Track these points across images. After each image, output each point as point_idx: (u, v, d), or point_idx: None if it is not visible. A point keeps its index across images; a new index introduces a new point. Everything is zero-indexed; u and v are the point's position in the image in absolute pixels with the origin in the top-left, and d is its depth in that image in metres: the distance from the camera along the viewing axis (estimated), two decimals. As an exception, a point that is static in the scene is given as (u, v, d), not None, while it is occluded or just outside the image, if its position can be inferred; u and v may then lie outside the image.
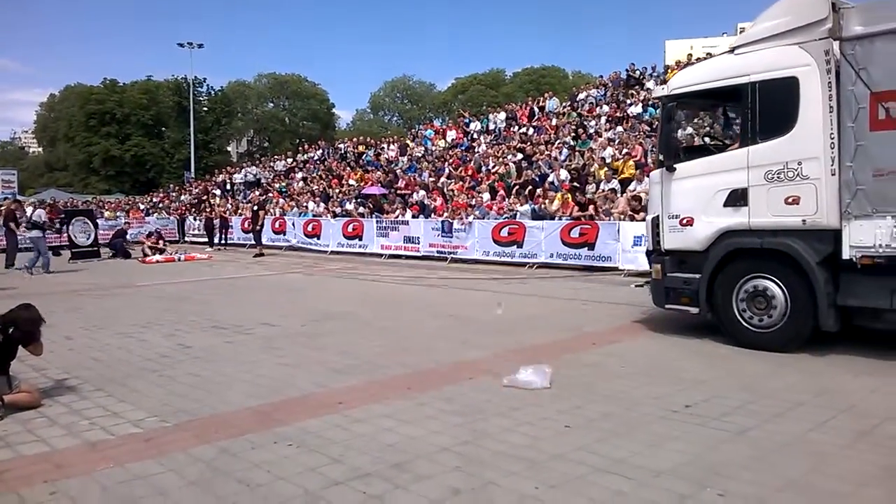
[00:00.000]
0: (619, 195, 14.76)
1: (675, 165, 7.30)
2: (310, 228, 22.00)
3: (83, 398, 5.38)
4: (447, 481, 3.65)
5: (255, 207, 22.88)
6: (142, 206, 36.76)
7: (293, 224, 22.89)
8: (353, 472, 3.79)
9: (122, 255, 20.96)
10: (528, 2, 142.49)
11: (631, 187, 14.61)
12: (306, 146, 38.09)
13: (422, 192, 20.97)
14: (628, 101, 22.17)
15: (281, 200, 26.88)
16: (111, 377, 6.01)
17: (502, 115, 27.31)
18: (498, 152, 22.05)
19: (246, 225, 24.03)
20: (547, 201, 15.96)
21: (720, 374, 5.87)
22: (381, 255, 18.98)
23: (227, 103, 69.63)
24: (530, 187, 17.33)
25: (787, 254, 6.45)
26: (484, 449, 4.12)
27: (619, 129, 19.82)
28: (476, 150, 24.30)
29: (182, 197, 36.80)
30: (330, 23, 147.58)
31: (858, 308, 6.23)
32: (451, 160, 23.75)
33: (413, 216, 19.31)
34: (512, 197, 17.18)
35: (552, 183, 17.04)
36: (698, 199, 7.08)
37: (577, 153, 18.83)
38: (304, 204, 24.89)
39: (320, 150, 34.49)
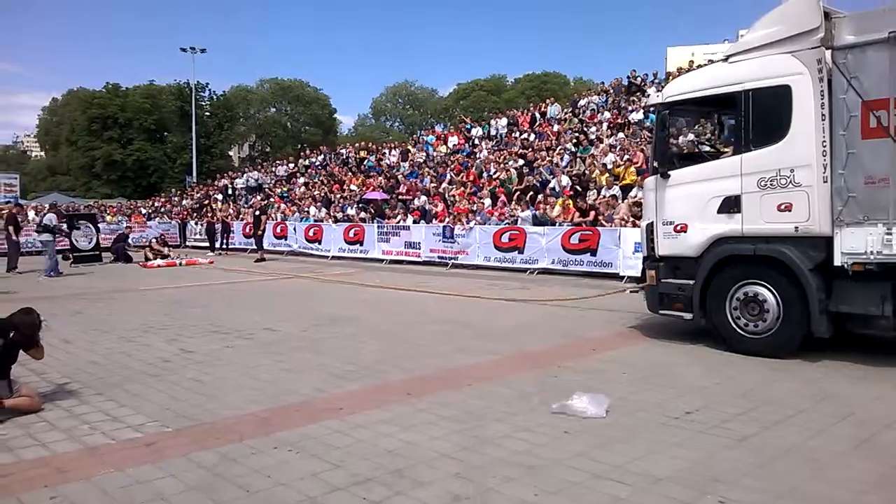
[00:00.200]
0: (620, 201, 14.78)
1: (669, 172, 7.38)
2: (311, 234, 22.03)
3: (84, 402, 5.39)
4: (447, 487, 3.66)
5: (257, 212, 22.94)
6: (143, 211, 36.83)
7: (294, 229, 22.92)
8: (354, 477, 3.80)
9: (124, 259, 21.02)
10: (529, 8, 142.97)
11: (632, 193, 14.61)
12: (308, 151, 38.18)
13: (423, 198, 20.98)
14: (630, 108, 22.19)
15: (282, 205, 26.92)
16: (112, 381, 6.02)
17: (504, 121, 27.36)
18: (499, 158, 22.09)
19: (247, 230, 24.07)
20: (548, 207, 15.98)
21: (721, 380, 5.88)
22: (382, 261, 18.98)
23: (229, 108, 69.72)
24: (531, 193, 17.36)
25: (780, 260, 6.50)
26: (483, 455, 4.13)
27: (621, 135, 19.82)
28: (477, 155, 24.33)
29: (184, 201, 36.82)
30: (332, 28, 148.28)
31: (850, 314, 6.28)
32: (452, 166, 23.78)
33: (414, 222, 19.33)
34: (513, 203, 17.21)
35: (553, 189, 17.07)
36: (692, 206, 7.15)
37: (578, 159, 18.85)
38: (306, 209, 24.92)
39: (322, 156, 34.56)
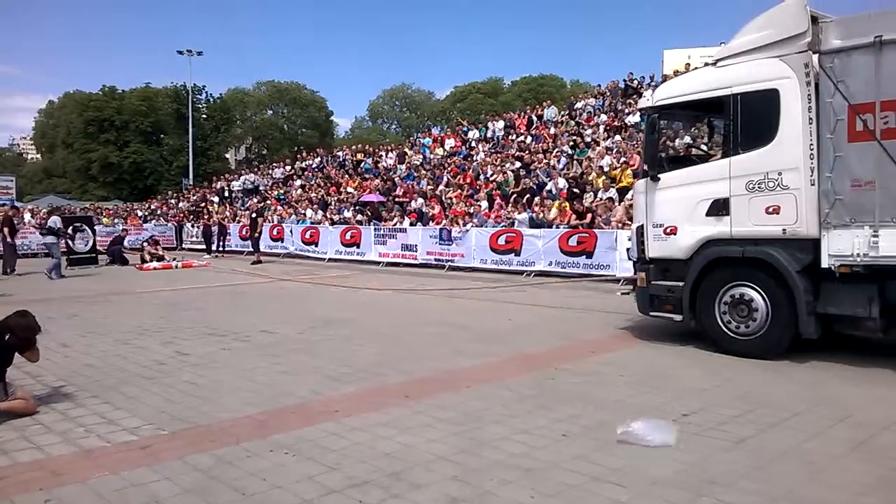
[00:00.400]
0: (617, 204, 14.80)
1: (659, 175, 7.41)
2: (308, 236, 22.01)
3: (79, 405, 5.36)
4: (444, 490, 3.65)
5: (254, 215, 22.88)
6: (140, 213, 36.76)
7: (291, 231, 22.90)
8: (350, 480, 3.78)
9: (120, 261, 20.95)
10: (527, 10, 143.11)
11: (629, 196, 14.60)
12: (305, 154, 38.11)
13: (420, 200, 20.99)
14: (626, 111, 22.23)
15: (279, 208, 26.89)
16: (107, 384, 5.99)
17: (501, 124, 27.36)
18: (496, 160, 22.11)
19: (244, 232, 24.02)
20: (545, 209, 15.99)
21: (718, 382, 5.88)
22: (378, 263, 18.97)
23: (225, 111, 69.72)
24: (528, 195, 17.37)
25: (768, 262, 6.54)
26: (481, 457, 4.12)
27: (617, 137, 19.88)
28: (474, 158, 24.34)
29: (180, 204, 36.75)
30: (329, 31, 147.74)
31: (838, 316, 6.31)
32: (449, 168, 23.79)
33: (411, 224, 19.32)
34: (510, 205, 17.22)
35: (549, 191, 17.09)
36: (681, 209, 7.19)
37: (574, 162, 18.87)
38: (303, 211, 24.89)
39: (319, 158, 34.49)
